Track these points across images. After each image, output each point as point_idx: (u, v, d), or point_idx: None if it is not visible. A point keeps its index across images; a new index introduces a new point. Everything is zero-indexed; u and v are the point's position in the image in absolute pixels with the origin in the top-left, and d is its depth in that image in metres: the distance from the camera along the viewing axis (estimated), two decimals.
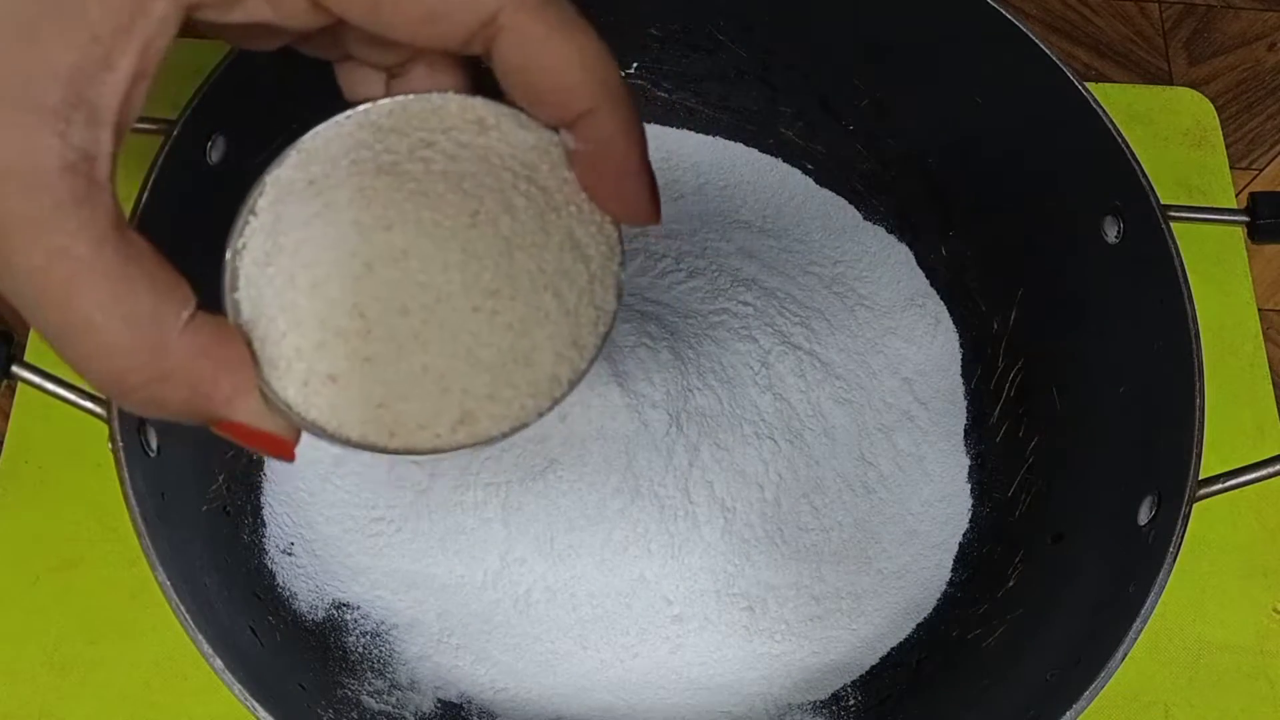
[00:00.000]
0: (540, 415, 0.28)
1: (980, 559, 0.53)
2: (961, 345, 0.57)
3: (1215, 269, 0.63)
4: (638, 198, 0.27)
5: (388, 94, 0.29)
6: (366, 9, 0.24)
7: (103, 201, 0.22)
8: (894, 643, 0.51)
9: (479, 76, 0.29)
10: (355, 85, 0.29)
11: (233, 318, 0.27)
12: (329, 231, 0.27)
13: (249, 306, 0.27)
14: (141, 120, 0.45)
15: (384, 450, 0.27)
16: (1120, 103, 0.67)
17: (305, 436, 0.27)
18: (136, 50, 0.22)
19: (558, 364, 0.28)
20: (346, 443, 0.27)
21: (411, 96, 0.28)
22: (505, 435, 0.28)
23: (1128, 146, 0.46)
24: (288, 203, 0.27)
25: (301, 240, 0.27)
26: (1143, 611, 0.40)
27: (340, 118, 0.28)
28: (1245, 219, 0.49)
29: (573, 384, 0.28)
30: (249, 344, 0.26)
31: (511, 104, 0.28)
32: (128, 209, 0.42)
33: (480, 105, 0.28)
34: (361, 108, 0.28)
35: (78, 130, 0.22)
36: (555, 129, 0.28)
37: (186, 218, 0.45)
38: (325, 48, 0.28)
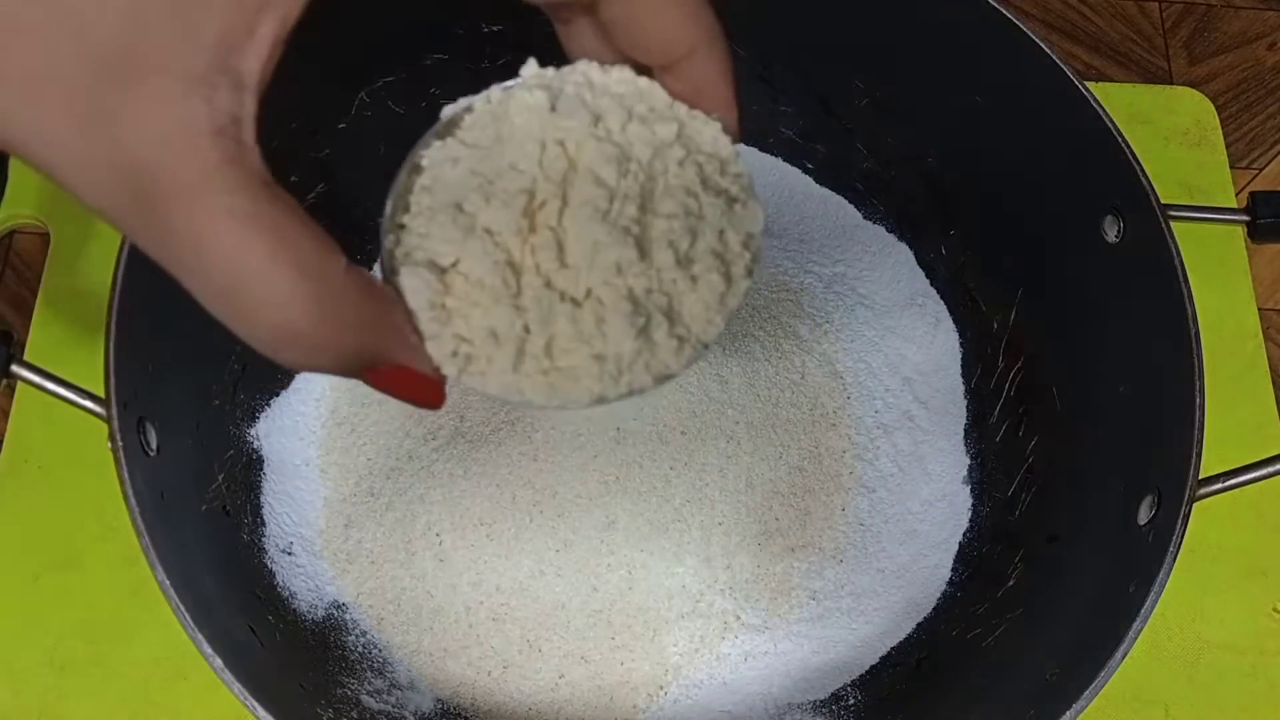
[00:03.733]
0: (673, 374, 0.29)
1: (980, 559, 0.53)
2: (961, 345, 0.57)
3: (1215, 269, 0.63)
4: (730, 128, 0.30)
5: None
6: None
7: (252, 161, 0.23)
8: (894, 642, 0.51)
9: None
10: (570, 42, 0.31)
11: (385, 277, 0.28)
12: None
13: (406, 271, 0.28)
14: None
15: (540, 406, 0.28)
16: (1120, 102, 0.67)
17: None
18: (276, 19, 0.23)
19: (699, 325, 0.29)
20: (503, 399, 0.28)
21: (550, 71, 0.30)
22: (653, 386, 0.29)
23: (1128, 146, 0.46)
24: (440, 183, 0.28)
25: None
26: (1143, 611, 0.40)
27: (481, 98, 0.30)
28: (1245, 219, 0.49)
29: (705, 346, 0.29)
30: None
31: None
32: None
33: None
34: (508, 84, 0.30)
35: (224, 95, 0.23)
36: (649, 72, 0.30)
37: None
38: None
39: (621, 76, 0.30)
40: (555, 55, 0.31)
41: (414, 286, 0.27)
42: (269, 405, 0.52)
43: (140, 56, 0.22)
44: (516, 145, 0.28)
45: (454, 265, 0.28)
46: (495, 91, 0.30)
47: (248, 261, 0.23)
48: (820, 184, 0.61)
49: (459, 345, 0.28)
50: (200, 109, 0.22)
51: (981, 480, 0.55)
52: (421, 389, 0.27)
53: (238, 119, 0.23)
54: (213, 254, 0.23)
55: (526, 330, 0.28)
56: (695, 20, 0.28)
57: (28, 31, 0.21)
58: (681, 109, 0.30)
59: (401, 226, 0.28)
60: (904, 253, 0.59)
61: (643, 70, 0.30)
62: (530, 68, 0.30)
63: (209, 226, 0.22)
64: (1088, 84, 0.48)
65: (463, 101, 0.30)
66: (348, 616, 0.49)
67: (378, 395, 0.52)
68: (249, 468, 0.51)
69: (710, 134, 0.30)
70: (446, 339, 0.27)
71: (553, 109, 0.29)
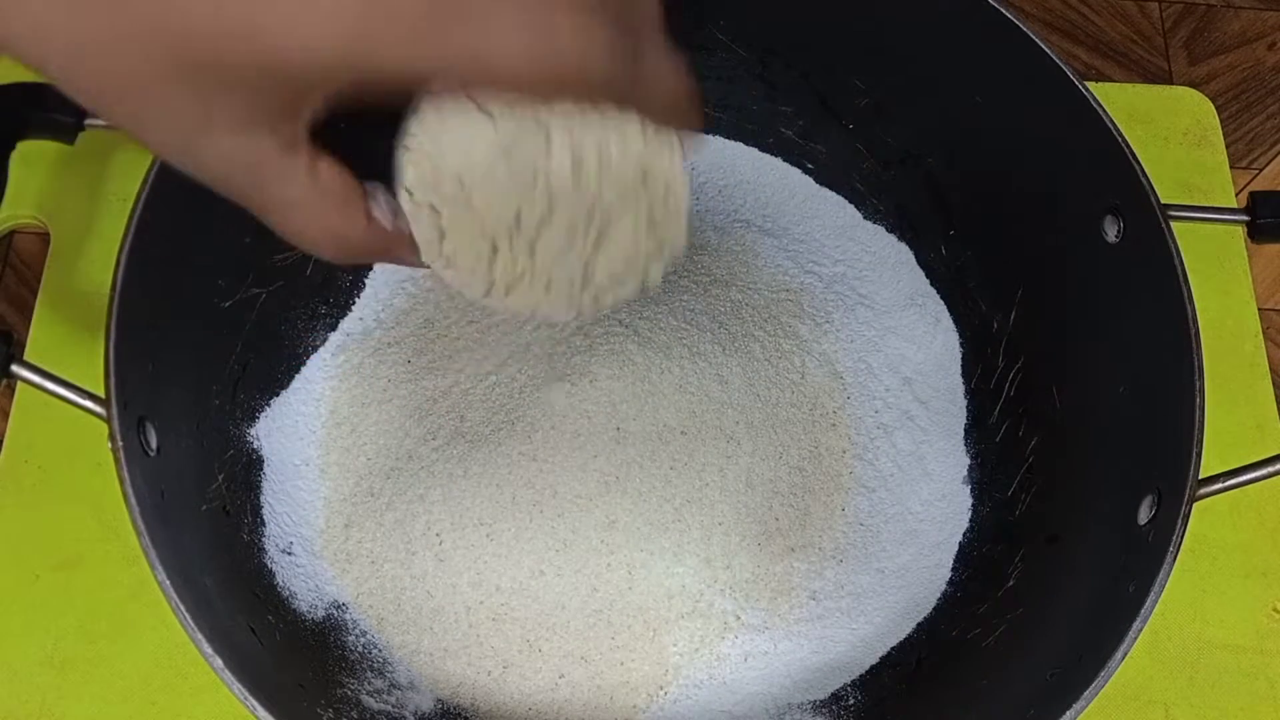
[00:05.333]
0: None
1: (980, 558, 0.53)
2: (961, 345, 0.57)
3: (1215, 269, 0.63)
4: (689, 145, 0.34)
5: None
6: None
7: (307, 151, 0.29)
8: (894, 642, 0.51)
9: None
10: None
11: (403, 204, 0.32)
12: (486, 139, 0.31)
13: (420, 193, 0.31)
14: None
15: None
16: (1120, 102, 0.67)
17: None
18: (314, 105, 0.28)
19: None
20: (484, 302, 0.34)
21: None
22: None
23: (1128, 146, 0.46)
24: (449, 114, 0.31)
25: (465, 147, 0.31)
26: (1143, 611, 0.40)
27: None
28: (1245, 218, 0.49)
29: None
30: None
31: None
32: (128, 207, 0.43)
33: None
34: None
35: (286, 127, 0.28)
36: None
37: (186, 217, 0.45)
38: None
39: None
40: None
41: (421, 230, 0.32)
42: (269, 405, 0.52)
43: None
44: (527, 147, 0.31)
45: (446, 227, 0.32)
46: None
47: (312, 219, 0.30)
48: (820, 184, 0.61)
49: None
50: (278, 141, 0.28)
51: (981, 480, 0.55)
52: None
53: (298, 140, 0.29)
54: (299, 210, 0.30)
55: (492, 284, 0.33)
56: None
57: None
58: (649, 138, 0.32)
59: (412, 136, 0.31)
60: (904, 253, 0.59)
61: None
62: None
63: (298, 198, 0.30)
64: (1088, 84, 0.48)
65: None
66: (348, 616, 0.49)
67: (378, 395, 0.53)
68: (249, 468, 0.51)
69: (667, 159, 0.33)
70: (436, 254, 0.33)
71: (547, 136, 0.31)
